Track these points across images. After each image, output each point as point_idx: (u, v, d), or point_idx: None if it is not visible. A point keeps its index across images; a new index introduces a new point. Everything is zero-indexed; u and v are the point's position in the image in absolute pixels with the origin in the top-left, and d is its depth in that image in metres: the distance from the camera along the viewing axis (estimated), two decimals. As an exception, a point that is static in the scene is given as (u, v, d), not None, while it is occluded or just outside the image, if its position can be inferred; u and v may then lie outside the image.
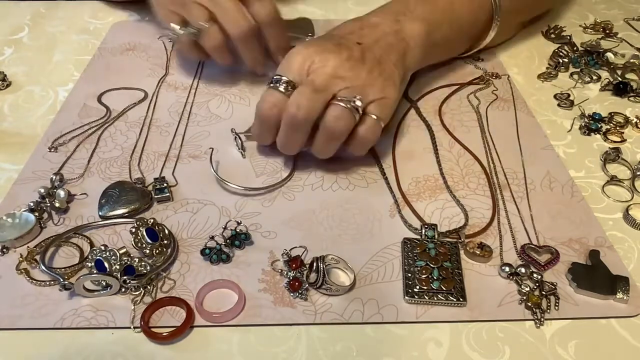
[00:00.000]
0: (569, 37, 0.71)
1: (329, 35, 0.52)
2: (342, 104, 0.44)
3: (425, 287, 0.40)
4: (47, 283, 0.41)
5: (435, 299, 0.40)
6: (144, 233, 0.42)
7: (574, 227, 0.46)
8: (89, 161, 0.52)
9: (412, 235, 0.45)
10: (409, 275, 0.41)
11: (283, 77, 0.46)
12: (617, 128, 0.57)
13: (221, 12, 0.53)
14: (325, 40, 0.50)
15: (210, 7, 0.53)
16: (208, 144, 0.54)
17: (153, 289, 0.41)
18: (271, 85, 0.47)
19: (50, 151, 0.53)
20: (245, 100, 0.61)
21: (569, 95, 0.62)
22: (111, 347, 0.37)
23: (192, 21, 0.54)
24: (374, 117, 0.46)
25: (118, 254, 0.41)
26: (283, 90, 0.46)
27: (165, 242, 0.43)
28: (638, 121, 0.57)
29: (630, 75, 0.65)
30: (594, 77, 0.65)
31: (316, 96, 0.44)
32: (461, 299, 0.40)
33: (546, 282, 0.41)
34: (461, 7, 0.57)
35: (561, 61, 0.66)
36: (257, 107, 0.47)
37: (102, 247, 0.41)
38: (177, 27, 0.54)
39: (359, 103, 0.45)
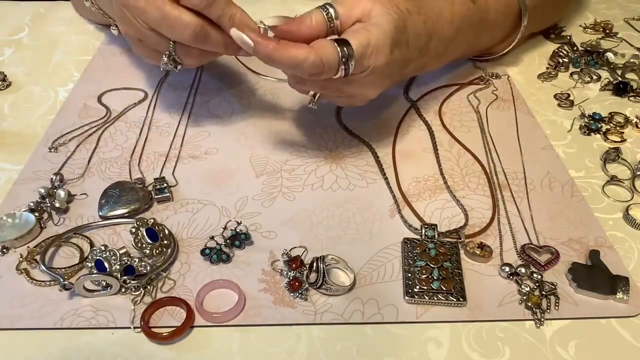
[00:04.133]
0: (569, 37, 0.71)
1: None
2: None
3: (425, 287, 0.40)
4: (47, 283, 0.41)
5: (435, 299, 0.40)
6: (144, 233, 0.43)
7: (574, 227, 0.46)
8: (89, 161, 0.52)
9: (412, 235, 0.45)
10: (409, 275, 0.41)
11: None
12: (617, 128, 0.57)
13: (167, 29, 0.47)
14: None
15: (157, 28, 0.48)
16: (208, 144, 0.54)
17: (153, 289, 0.41)
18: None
19: (50, 151, 0.53)
20: (245, 100, 0.61)
21: (569, 95, 0.62)
22: (111, 347, 0.37)
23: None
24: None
25: (118, 254, 0.41)
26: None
27: (165, 242, 0.43)
28: (638, 121, 0.57)
29: (630, 75, 0.65)
30: (594, 77, 0.65)
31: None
32: (461, 299, 0.39)
33: (546, 282, 0.41)
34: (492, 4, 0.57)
35: (561, 61, 0.66)
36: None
37: (102, 247, 0.41)
38: (171, 67, 0.50)
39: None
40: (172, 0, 0.45)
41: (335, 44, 0.42)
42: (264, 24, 0.45)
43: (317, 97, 0.49)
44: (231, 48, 0.47)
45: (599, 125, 0.57)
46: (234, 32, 0.44)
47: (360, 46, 0.42)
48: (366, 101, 0.50)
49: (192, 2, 0.44)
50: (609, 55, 0.67)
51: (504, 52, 0.64)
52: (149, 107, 0.59)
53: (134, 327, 0.38)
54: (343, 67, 0.42)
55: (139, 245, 0.42)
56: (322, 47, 0.42)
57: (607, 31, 0.74)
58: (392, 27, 0.44)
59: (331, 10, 0.44)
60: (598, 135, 0.56)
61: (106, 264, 0.40)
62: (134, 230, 0.43)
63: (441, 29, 0.51)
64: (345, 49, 0.42)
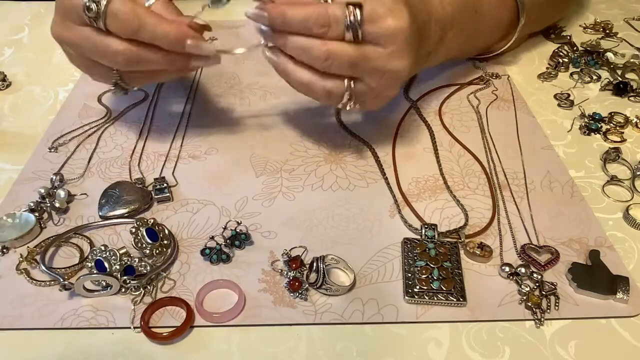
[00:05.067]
0: (569, 37, 0.71)
1: None
2: None
3: (425, 287, 0.40)
4: (47, 283, 0.41)
5: (435, 299, 0.40)
6: (144, 233, 0.43)
7: (574, 227, 0.46)
8: (89, 161, 0.52)
9: (412, 235, 0.45)
10: (409, 275, 0.41)
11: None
12: (617, 128, 0.57)
13: (101, 58, 0.46)
14: None
15: (93, 57, 0.47)
16: (208, 144, 0.54)
17: (153, 289, 0.41)
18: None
19: (50, 151, 0.53)
20: (245, 100, 0.61)
21: (569, 95, 0.62)
22: (111, 347, 0.37)
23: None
24: None
25: (118, 254, 0.41)
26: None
27: (165, 242, 0.43)
28: (638, 121, 0.57)
29: (630, 75, 0.65)
30: (594, 77, 0.65)
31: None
32: (461, 299, 0.39)
33: (546, 282, 0.41)
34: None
35: (561, 61, 0.66)
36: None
37: (102, 247, 0.41)
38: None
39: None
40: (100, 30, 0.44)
41: (345, 4, 0.42)
42: None
43: (350, 95, 0.46)
44: (176, 64, 0.46)
45: (599, 125, 0.57)
46: (202, 45, 0.44)
47: (370, 6, 0.42)
48: (397, 88, 0.48)
49: (117, 32, 0.43)
50: (609, 55, 0.67)
51: (503, 49, 0.64)
52: (149, 107, 0.59)
53: (134, 327, 0.38)
54: (350, 23, 0.42)
55: (139, 245, 0.42)
56: (330, 5, 0.42)
57: (607, 31, 0.74)
58: None
59: None
60: (598, 135, 0.56)
61: (106, 264, 0.40)
62: (134, 230, 0.43)
63: (436, 13, 0.51)
64: (354, 8, 0.42)
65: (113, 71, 0.46)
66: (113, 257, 0.41)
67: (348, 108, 0.47)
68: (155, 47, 0.44)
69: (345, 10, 0.42)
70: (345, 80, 0.45)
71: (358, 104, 0.47)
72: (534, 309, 0.39)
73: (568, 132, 0.57)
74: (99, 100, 0.60)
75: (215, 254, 0.42)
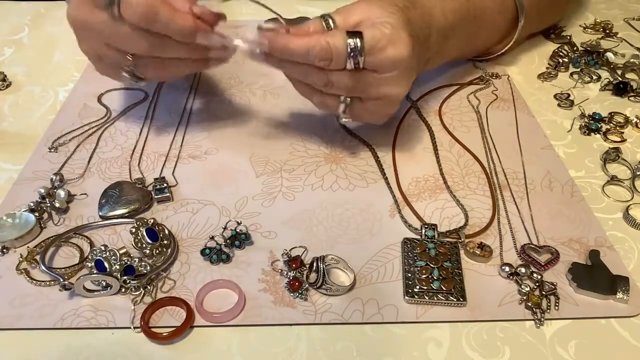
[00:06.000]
0: (569, 37, 0.71)
1: None
2: None
3: (425, 287, 0.40)
4: (47, 283, 0.41)
5: (435, 299, 0.40)
6: (144, 233, 0.43)
7: (574, 227, 0.46)
8: (89, 161, 0.52)
9: (412, 235, 0.45)
10: (409, 275, 0.41)
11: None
12: (617, 128, 0.57)
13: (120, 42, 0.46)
14: None
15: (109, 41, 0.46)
16: (208, 144, 0.54)
17: (153, 289, 0.41)
18: None
19: (50, 151, 0.53)
20: (245, 100, 0.61)
21: (569, 95, 0.62)
22: (111, 347, 0.37)
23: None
24: None
25: (118, 254, 0.41)
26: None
27: (165, 242, 0.43)
28: (638, 121, 0.57)
29: (630, 75, 0.65)
30: (594, 77, 0.65)
31: None
32: (461, 299, 0.39)
33: (546, 282, 0.41)
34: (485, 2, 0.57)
35: (561, 61, 0.66)
36: None
37: (102, 247, 0.41)
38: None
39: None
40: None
41: (345, 33, 0.42)
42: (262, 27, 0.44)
43: (345, 108, 0.47)
44: (196, 52, 0.46)
45: (599, 125, 0.57)
46: (238, 41, 0.44)
47: (371, 37, 0.43)
48: (395, 107, 0.49)
49: (130, 20, 0.42)
50: (609, 55, 0.67)
51: (502, 51, 0.64)
52: (149, 107, 0.59)
53: (134, 327, 0.38)
54: (351, 54, 0.42)
55: (139, 245, 0.42)
56: (331, 35, 0.43)
57: (607, 31, 0.74)
58: (399, 21, 0.44)
59: (330, 20, 0.45)
60: (598, 135, 0.56)
61: (106, 264, 0.40)
62: (134, 230, 0.43)
63: (437, 23, 0.52)
64: (355, 38, 0.42)
65: (127, 56, 0.46)
66: (113, 257, 0.41)
67: (345, 120, 0.48)
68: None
69: (347, 41, 0.42)
70: (342, 97, 0.46)
71: (355, 117, 0.49)
72: (534, 309, 0.39)
73: (568, 132, 0.57)
74: (99, 100, 0.60)
75: (215, 254, 0.42)
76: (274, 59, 0.45)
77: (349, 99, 0.47)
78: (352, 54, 0.42)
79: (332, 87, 0.46)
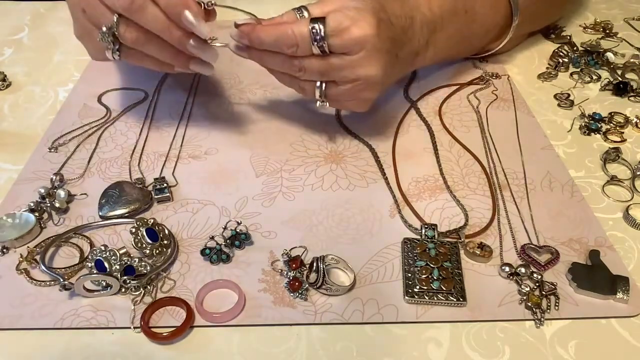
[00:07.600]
0: (569, 37, 0.71)
1: None
2: None
3: (425, 287, 0.40)
4: (47, 283, 0.41)
5: (435, 299, 0.40)
6: (144, 233, 0.43)
7: (574, 227, 0.46)
8: (89, 161, 0.52)
9: (412, 235, 0.45)
10: (409, 275, 0.41)
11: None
12: (617, 128, 0.57)
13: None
14: None
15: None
16: (208, 144, 0.54)
17: (153, 289, 0.41)
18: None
19: (50, 151, 0.53)
20: (245, 100, 0.61)
21: (569, 95, 0.62)
22: (111, 347, 0.37)
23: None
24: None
25: (118, 254, 0.41)
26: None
27: (165, 242, 0.43)
28: (638, 121, 0.57)
29: (630, 75, 0.65)
30: (594, 77, 0.65)
31: None
32: (461, 299, 0.39)
33: (546, 282, 0.41)
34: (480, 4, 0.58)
35: (561, 61, 0.66)
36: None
37: (102, 247, 0.41)
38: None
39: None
40: None
41: (309, 20, 0.45)
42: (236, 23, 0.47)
43: (323, 92, 0.49)
44: (173, 34, 0.44)
45: (599, 125, 0.57)
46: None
47: (334, 20, 0.44)
48: (374, 92, 0.49)
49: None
50: (609, 55, 0.67)
51: (499, 47, 0.64)
52: (149, 107, 0.59)
53: (134, 327, 0.38)
54: (315, 38, 0.44)
55: (139, 245, 0.42)
56: (297, 23, 0.45)
57: (607, 31, 0.74)
58: (368, 6, 0.46)
59: (303, 11, 0.47)
60: (598, 135, 0.56)
61: (106, 264, 0.40)
62: (134, 230, 0.43)
63: (422, 15, 0.52)
64: (317, 23, 0.44)
65: (115, 15, 0.44)
66: (113, 257, 0.41)
67: (320, 104, 0.50)
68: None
69: (309, 27, 0.44)
70: (317, 83, 0.48)
71: (334, 102, 0.50)
72: (534, 309, 0.39)
73: (568, 132, 0.57)
74: (99, 100, 0.60)
75: (215, 254, 0.42)
76: (253, 51, 0.48)
77: (324, 84, 0.48)
78: (316, 38, 0.44)
79: (305, 73, 0.48)
